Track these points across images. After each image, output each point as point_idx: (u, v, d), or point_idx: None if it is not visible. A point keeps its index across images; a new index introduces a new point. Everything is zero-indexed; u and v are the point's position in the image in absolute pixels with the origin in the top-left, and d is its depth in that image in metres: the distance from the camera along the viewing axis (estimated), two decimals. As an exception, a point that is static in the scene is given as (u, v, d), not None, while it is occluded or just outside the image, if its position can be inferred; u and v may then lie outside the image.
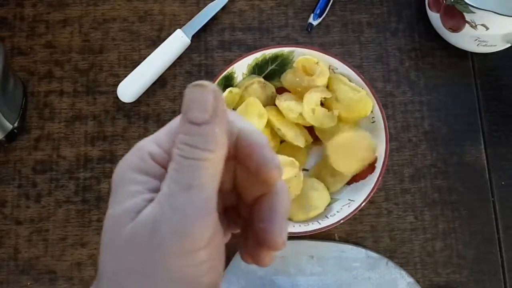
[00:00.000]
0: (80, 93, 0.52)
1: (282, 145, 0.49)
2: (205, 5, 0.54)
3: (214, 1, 0.54)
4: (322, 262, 0.47)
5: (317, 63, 0.46)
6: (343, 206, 0.45)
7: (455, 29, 0.50)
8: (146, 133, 0.51)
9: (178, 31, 0.52)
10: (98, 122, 0.52)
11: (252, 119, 0.45)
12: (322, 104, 0.47)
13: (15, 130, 0.50)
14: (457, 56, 0.53)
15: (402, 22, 0.55)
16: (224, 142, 0.22)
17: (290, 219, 0.45)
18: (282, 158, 0.43)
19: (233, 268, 0.47)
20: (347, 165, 0.45)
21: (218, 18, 0.55)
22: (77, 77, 0.53)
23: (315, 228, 0.43)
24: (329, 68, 0.47)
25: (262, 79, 0.48)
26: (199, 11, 0.54)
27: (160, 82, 0.53)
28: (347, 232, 0.49)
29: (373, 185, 0.44)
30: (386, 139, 0.45)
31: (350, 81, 0.46)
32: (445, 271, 0.48)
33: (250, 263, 0.25)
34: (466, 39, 0.51)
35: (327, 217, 0.44)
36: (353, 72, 0.46)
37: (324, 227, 0.43)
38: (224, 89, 0.46)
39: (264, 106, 0.46)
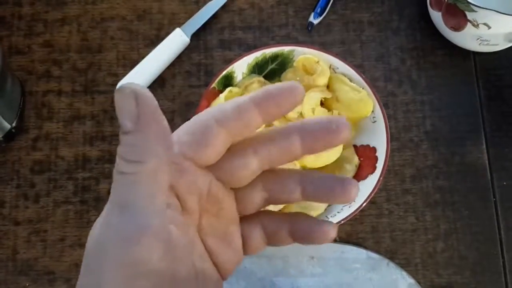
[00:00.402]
0: (78, 92, 0.52)
1: None
2: (205, 3, 0.54)
3: (214, 0, 0.54)
4: (322, 263, 0.47)
5: (317, 62, 0.46)
6: (343, 206, 0.44)
7: (457, 28, 0.50)
8: (145, 133, 0.51)
9: (177, 30, 0.52)
10: (97, 122, 0.51)
11: None
12: (322, 104, 0.47)
13: (13, 130, 0.49)
14: (459, 55, 0.53)
15: (404, 21, 0.54)
16: (159, 150, 0.20)
17: None
18: None
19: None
20: (313, 158, 0.44)
21: (218, 17, 0.54)
22: (75, 76, 0.52)
23: None
24: (330, 68, 0.47)
25: (262, 79, 0.48)
26: (199, 9, 0.54)
27: (159, 82, 0.52)
28: (348, 233, 0.49)
29: (374, 185, 0.44)
30: (387, 139, 0.44)
31: (351, 81, 0.46)
32: (446, 272, 0.48)
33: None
34: (468, 38, 0.50)
35: (327, 218, 0.44)
36: (354, 72, 0.46)
37: None
38: (224, 89, 0.46)
39: None
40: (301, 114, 0.45)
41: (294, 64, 0.47)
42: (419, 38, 0.54)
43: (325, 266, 0.47)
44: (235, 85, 0.47)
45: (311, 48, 0.47)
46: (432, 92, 0.52)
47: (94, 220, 0.50)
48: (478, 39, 0.49)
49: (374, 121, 0.46)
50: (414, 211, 0.49)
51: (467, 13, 0.47)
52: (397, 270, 0.47)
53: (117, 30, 0.54)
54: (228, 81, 0.47)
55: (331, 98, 0.46)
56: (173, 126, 0.52)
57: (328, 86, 0.47)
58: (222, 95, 0.44)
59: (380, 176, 0.44)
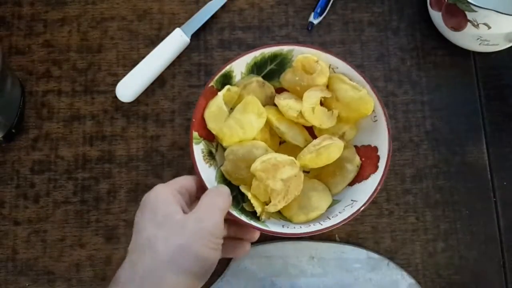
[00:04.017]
0: (78, 92, 0.52)
1: (282, 145, 0.48)
2: (205, 3, 0.54)
3: (214, 0, 0.54)
4: (322, 263, 0.47)
5: (317, 61, 0.46)
6: (345, 206, 0.44)
7: (457, 28, 0.50)
8: (145, 132, 0.51)
9: (177, 30, 0.52)
10: (97, 122, 0.51)
11: (251, 117, 0.44)
12: (322, 104, 0.46)
13: (13, 130, 0.49)
14: (459, 55, 0.53)
15: (404, 21, 0.54)
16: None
17: (289, 220, 0.45)
18: (282, 157, 0.42)
19: (233, 270, 0.47)
20: (314, 158, 0.44)
21: (218, 17, 0.54)
22: (75, 76, 0.52)
23: (317, 229, 0.42)
24: (329, 68, 0.47)
25: (261, 79, 0.47)
26: (199, 9, 0.54)
27: (159, 82, 0.52)
28: (348, 233, 0.49)
29: (376, 185, 0.43)
30: (388, 138, 0.44)
31: (351, 80, 0.46)
32: (447, 272, 0.48)
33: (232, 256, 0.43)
34: (468, 38, 0.50)
35: (329, 218, 0.43)
36: (353, 71, 0.45)
37: (326, 228, 0.41)
38: (222, 87, 0.46)
39: (263, 106, 0.45)
40: (300, 113, 0.45)
41: (293, 63, 0.47)
42: (419, 38, 0.54)
43: (325, 266, 0.47)
44: (234, 85, 0.47)
45: (310, 47, 0.46)
46: (432, 92, 0.52)
47: (94, 220, 0.51)
48: (478, 39, 0.49)
49: (375, 120, 0.45)
50: (415, 211, 0.49)
51: (467, 13, 0.47)
52: (397, 270, 0.47)
53: (117, 30, 0.54)
54: (226, 80, 0.46)
55: (331, 98, 0.46)
56: (173, 126, 0.52)
57: (328, 86, 0.47)
58: (220, 94, 0.44)
59: (383, 176, 0.43)
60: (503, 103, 0.52)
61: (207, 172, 0.43)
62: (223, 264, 0.47)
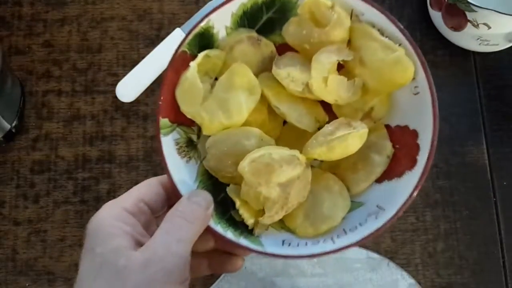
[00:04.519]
0: (78, 92, 0.52)
1: (285, 128, 0.36)
2: (205, 3, 0.54)
3: (214, 0, 0.54)
4: (322, 263, 0.47)
5: (331, 7, 0.32)
6: (368, 216, 0.32)
7: (457, 28, 0.50)
8: (145, 132, 0.51)
9: (177, 30, 0.52)
10: (97, 122, 0.51)
11: (238, 95, 0.32)
12: (341, 68, 0.33)
13: (13, 130, 0.49)
14: (459, 55, 0.53)
15: (403, 21, 0.54)
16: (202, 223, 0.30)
17: (293, 233, 0.34)
18: (279, 154, 0.31)
19: (233, 269, 0.47)
20: (325, 151, 0.32)
21: (218, 17, 0.54)
22: (75, 76, 0.52)
23: (327, 250, 0.31)
24: (351, 16, 0.33)
25: (255, 34, 0.34)
26: (199, 9, 0.54)
27: (159, 82, 0.52)
28: (348, 233, 0.49)
29: (412, 188, 0.31)
30: (434, 117, 0.31)
31: (382, 34, 0.32)
32: (447, 272, 0.48)
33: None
34: (468, 38, 0.50)
35: (344, 232, 0.32)
36: (387, 20, 0.32)
37: (339, 249, 0.31)
38: (199, 52, 0.33)
39: (259, 73, 0.34)
40: (307, 86, 0.32)
41: (299, 11, 0.34)
42: (419, 38, 0.54)
43: (325, 266, 0.47)
44: (216, 47, 0.34)
45: None
46: (432, 92, 0.52)
47: (94, 220, 0.50)
48: (478, 39, 0.49)
49: (417, 93, 0.32)
50: (414, 211, 0.49)
51: (467, 13, 0.47)
52: (397, 270, 0.47)
53: (117, 30, 0.54)
54: (205, 41, 0.33)
55: (353, 61, 0.33)
56: (173, 126, 0.52)
57: (349, 43, 0.33)
58: (193, 63, 0.32)
59: (422, 175, 0.31)
60: (503, 103, 0.52)
61: (183, 171, 0.33)
62: (223, 264, 0.47)
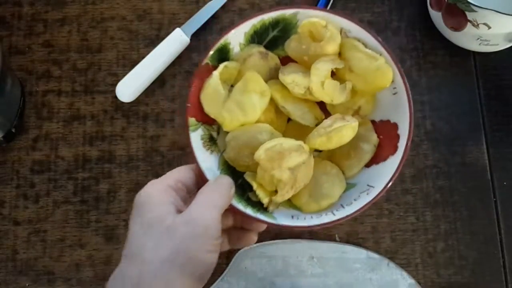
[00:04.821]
0: (78, 92, 0.52)
1: (290, 124, 0.43)
2: (205, 3, 0.54)
3: (214, 0, 0.54)
4: (322, 263, 0.47)
5: (325, 26, 0.40)
6: (361, 193, 0.39)
7: (457, 28, 0.50)
8: (145, 132, 0.51)
9: (177, 30, 0.52)
10: (97, 122, 0.51)
11: (252, 98, 0.39)
12: (333, 75, 0.41)
13: (13, 130, 0.49)
14: (459, 55, 0.53)
15: (404, 21, 0.54)
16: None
17: (299, 210, 0.41)
18: (288, 144, 0.38)
19: (233, 270, 0.47)
20: (324, 141, 0.39)
21: (218, 17, 0.54)
22: (75, 76, 0.52)
23: (329, 220, 0.38)
24: (341, 32, 0.41)
25: (263, 49, 0.42)
26: (199, 9, 0.54)
27: (159, 82, 0.52)
28: (348, 233, 0.49)
29: (394, 169, 0.38)
30: (410, 113, 0.39)
31: (366, 46, 0.40)
32: (447, 272, 0.48)
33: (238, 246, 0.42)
34: (468, 38, 0.50)
35: (342, 207, 0.39)
36: (369, 36, 0.40)
37: (340, 219, 0.38)
38: (218, 64, 0.40)
39: (267, 80, 0.41)
40: (308, 89, 0.40)
41: (299, 30, 0.42)
42: (419, 38, 0.54)
43: (325, 266, 0.47)
44: (232, 59, 0.42)
45: (316, 10, 0.41)
46: (432, 92, 0.52)
47: (94, 220, 0.50)
48: (478, 39, 0.49)
49: (395, 93, 0.40)
50: (414, 211, 0.49)
51: (467, 13, 0.47)
52: (397, 270, 0.47)
53: (117, 30, 0.54)
54: (223, 55, 0.41)
55: (343, 68, 0.41)
56: (173, 126, 0.52)
57: (340, 54, 0.41)
58: (215, 73, 0.40)
59: (403, 158, 0.38)
60: (503, 103, 0.52)
61: (208, 160, 0.40)
62: (223, 264, 0.47)
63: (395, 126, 0.40)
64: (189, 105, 0.40)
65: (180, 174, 0.37)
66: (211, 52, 0.40)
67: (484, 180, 0.50)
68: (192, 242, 0.32)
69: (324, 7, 0.54)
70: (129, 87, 0.50)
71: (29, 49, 0.53)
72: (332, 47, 0.40)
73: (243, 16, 0.54)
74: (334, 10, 0.41)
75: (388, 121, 0.41)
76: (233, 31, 0.40)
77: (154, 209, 0.33)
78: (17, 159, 0.50)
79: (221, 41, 0.40)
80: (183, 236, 0.32)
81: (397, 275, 0.47)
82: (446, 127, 0.51)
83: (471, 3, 0.45)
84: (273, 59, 0.43)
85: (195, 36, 0.53)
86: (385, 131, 0.41)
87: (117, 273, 0.33)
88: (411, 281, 0.47)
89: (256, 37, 0.42)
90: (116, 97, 0.51)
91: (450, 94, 0.52)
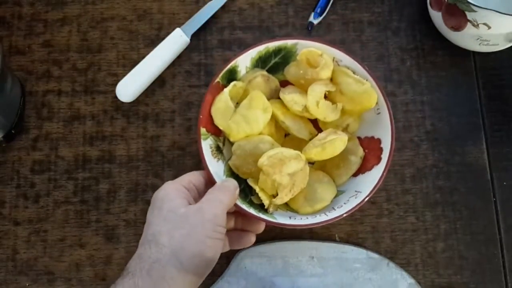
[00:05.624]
0: (78, 92, 0.52)
1: (287, 138, 0.48)
2: (205, 3, 0.54)
3: (214, 0, 0.54)
4: (322, 263, 0.47)
5: (321, 55, 0.46)
6: (350, 197, 0.45)
7: (457, 28, 0.50)
8: (145, 132, 0.51)
9: (177, 30, 0.52)
10: (97, 122, 0.51)
11: (257, 113, 0.45)
12: (326, 97, 0.47)
13: (13, 130, 0.49)
14: (459, 55, 0.53)
15: (404, 21, 0.54)
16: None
17: (296, 212, 0.45)
18: (288, 152, 0.43)
19: (233, 270, 0.47)
20: (320, 152, 0.45)
21: (218, 17, 0.54)
22: (75, 76, 0.52)
23: (323, 220, 0.43)
24: (333, 61, 0.47)
25: (265, 73, 0.48)
26: (199, 10, 0.54)
27: (159, 82, 0.52)
28: (348, 233, 0.49)
29: (379, 176, 0.43)
30: (391, 129, 0.44)
31: (354, 73, 0.46)
32: (447, 272, 0.48)
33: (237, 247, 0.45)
34: (468, 38, 0.50)
35: (334, 209, 0.44)
36: (357, 64, 0.46)
37: (332, 219, 0.42)
38: (227, 82, 0.46)
39: (268, 99, 0.46)
40: (305, 107, 0.45)
41: (298, 57, 0.47)
42: (419, 38, 0.54)
43: (325, 266, 0.47)
44: (239, 79, 0.48)
45: (314, 41, 0.47)
46: (432, 92, 0.52)
47: (94, 220, 0.50)
48: (478, 39, 0.49)
49: (378, 113, 0.46)
50: (414, 211, 0.49)
51: (467, 13, 0.47)
52: (397, 270, 0.47)
53: (117, 30, 0.54)
54: (232, 76, 0.47)
55: (335, 91, 0.47)
56: (173, 126, 0.52)
57: (332, 79, 0.47)
58: (226, 90, 0.45)
59: (386, 167, 0.44)
60: (503, 103, 0.52)
61: (215, 167, 0.45)
62: (223, 264, 0.47)
63: (378, 141, 0.46)
64: (201, 116, 0.45)
65: (192, 177, 0.42)
66: (222, 72, 0.46)
67: (484, 180, 0.50)
68: (201, 227, 0.37)
69: (324, 7, 0.54)
70: (129, 87, 0.50)
71: (29, 49, 0.53)
72: (326, 73, 0.46)
73: (243, 16, 0.54)
74: (330, 43, 0.46)
75: (373, 137, 0.47)
76: (242, 56, 0.46)
77: (170, 202, 0.39)
78: (17, 159, 0.50)
79: (232, 64, 0.46)
80: (193, 222, 0.37)
81: (397, 275, 0.47)
82: (446, 127, 0.51)
83: (471, 3, 0.45)
84: (274, 81, 0.48)
85: (195, 36, 0.53)
86: (370, 145, 0.47)
87: (136, 256, 0.37)
88: (411, 281, 0.47)
89: (260, 62, 0.48)
90: (116, 97, 0.51)
91: (450, 94, 0.52)
